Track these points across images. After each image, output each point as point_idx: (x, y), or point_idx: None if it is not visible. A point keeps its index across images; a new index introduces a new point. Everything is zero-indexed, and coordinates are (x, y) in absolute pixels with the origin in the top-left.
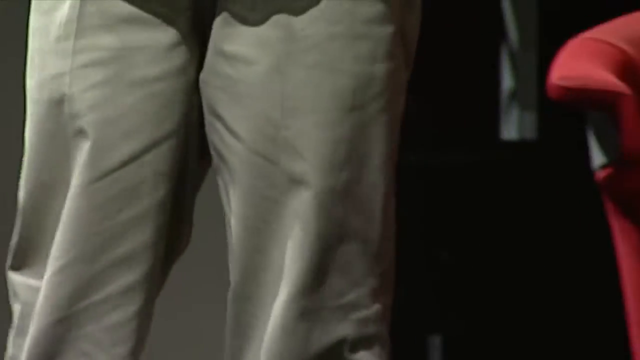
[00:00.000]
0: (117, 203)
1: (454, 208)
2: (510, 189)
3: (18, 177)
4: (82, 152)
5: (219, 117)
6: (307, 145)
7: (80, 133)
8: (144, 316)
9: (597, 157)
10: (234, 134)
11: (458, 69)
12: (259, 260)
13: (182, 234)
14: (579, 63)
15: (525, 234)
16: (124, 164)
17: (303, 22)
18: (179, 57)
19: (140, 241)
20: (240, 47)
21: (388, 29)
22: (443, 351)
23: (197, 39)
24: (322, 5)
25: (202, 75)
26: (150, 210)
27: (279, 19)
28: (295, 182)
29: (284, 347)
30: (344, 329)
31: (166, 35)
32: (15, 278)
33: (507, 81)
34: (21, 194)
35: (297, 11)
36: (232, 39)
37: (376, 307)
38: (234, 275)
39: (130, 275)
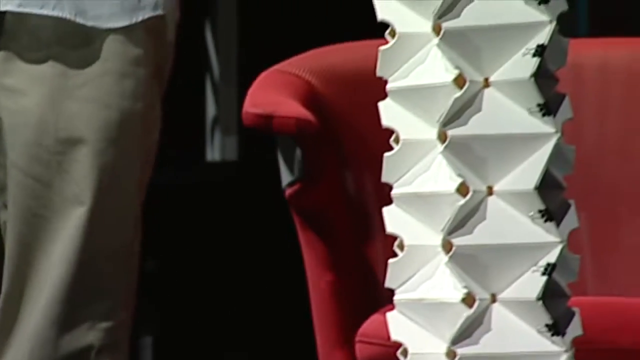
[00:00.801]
0: None
1: (163, 222)
2: (214, 205)
3: None
4: None
5: None
6: (78, 170)
7: None
8: None
9: (285, 176)
10: (11, 160)
11: (166, 98)
12: (28, 272)
13: None
14: (269, 92)
15: (226, 245)
16: None
17: (78, 60)
18: None
19: None
20: (19, 81)
21: (148, 70)
22: (153, 350)
23: None
24: (95, 45)
25: None
26: None
27: (57, 59)
28: (67, 202)
29: (35, 351)
30: (93, 336)
31: None
32: None
33: (210, 109)
34: None
35: (73, 54)
36: (11, 73)
37: (121, 317)
38: (4, 286)
39: None
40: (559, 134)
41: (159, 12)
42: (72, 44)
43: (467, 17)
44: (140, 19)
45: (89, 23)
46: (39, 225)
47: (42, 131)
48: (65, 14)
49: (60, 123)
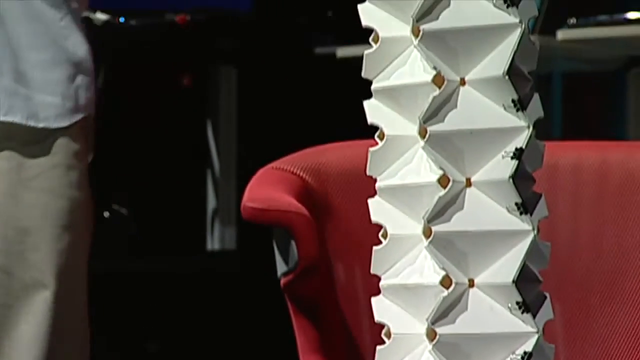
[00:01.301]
0: None
1: (165, 308)
2: (214, 292)
3: None
4: None
5: None
6: (37, 257)
7: None
8: None
9: (280, 266)
10: None
11: (170, 190)
12: None
13: None
14: (266, 188)
15: (225, 331)
16: None
17: (30, 154)
18: None
19: None
20: None
21: (85, 162)
22: None
23: None
24: (44, 142)
25: None
26: None
27: (10, 154)
28: (28, 288)
29: None
30: None
31: None
32: None
33: (211, 201)
34: None
35: (24, 149)
36: None
37: None
38: None
39: None
40: (535, 231)
41: (87, 112)
42: (23, 140)
43: (451, 122)
44: (77, 118)
45: (40, 125)
46: (2, 313)
47: (4, 223)
48: (18, 118)
49: (20, 213)
